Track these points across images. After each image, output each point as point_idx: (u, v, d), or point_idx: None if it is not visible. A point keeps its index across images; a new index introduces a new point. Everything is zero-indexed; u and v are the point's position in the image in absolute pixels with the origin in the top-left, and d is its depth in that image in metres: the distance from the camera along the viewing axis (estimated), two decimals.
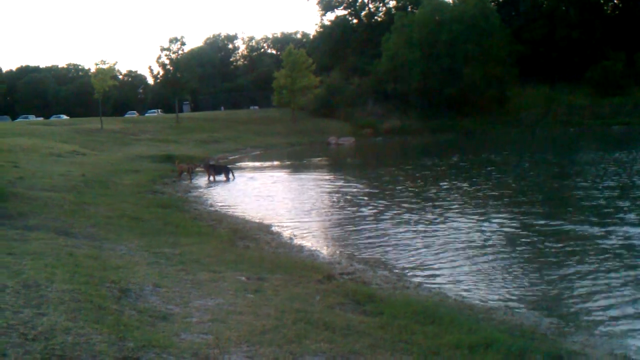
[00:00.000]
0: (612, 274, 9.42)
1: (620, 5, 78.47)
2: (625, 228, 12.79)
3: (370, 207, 17.10)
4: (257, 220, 15.25)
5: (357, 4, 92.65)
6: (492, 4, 77.37)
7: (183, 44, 62.18)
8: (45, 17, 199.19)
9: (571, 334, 7.02)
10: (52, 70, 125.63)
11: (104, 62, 47.85)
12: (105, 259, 7.91)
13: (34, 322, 4.66)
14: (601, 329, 7.21)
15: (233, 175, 25.65)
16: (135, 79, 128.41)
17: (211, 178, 25.09)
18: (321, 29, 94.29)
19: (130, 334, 4.72)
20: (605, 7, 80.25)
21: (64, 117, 77.39)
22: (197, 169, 27.00)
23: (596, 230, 12.75)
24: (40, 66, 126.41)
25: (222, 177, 25.19)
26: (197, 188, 22.97)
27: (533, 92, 67.24)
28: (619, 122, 56.34)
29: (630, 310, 7.82)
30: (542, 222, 13.96)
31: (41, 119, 75.14)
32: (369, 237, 13.00)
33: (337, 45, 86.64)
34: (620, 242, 11.55)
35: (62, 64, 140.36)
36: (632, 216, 14.09)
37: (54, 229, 9.59)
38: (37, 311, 4.95)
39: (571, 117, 61.69)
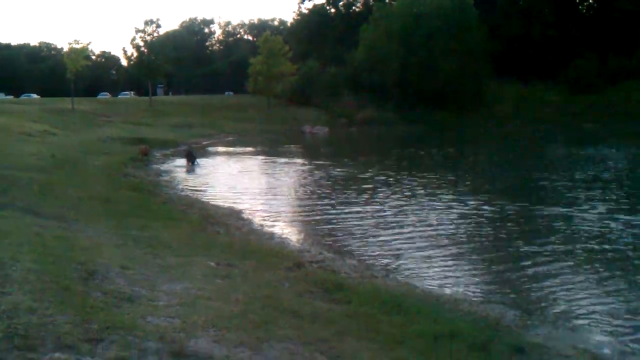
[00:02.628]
0: (579, 269, 9.62)
1: (595, 5, 79.31)
2: (593, 219, 13.16)
3: (341, 196, 17.16)
4: (228, 206, 15.21)
5: None
6: None
7: (158, 26, 61.50)
8: None
9: (535, 326, 7.14)
10: (24, 49, 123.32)
11: (77, 42, 46.97)
12: (73, 240, 7.82)
13: None
14: (564, 322, 7.35)
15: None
16: (108, 60, 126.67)
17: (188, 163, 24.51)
18: (299, 17, 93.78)
19: (95, 316, 4.68)
20: (581, 7, 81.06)
21: (35, 96, 76.11)
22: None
23: (564, 222, 13.03)
24: (12, 44, 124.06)
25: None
26: (169, 172, 22.80)
27: (507, 88, 67.71)
28: (590, 120, 57.03)
29: (593, 304, 7.99)
30: (511, 213, 14.19)
31: (11, 97, 73.81)
32: (339, 226, 13.06)
33: (314, 34, 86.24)
34: (589, 235, 11.81)
35: (34, 42, 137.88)
36: (599, 207, 14.50)
37: (22, 208, 9.45)
38: (1, 290, 4.87)
39: (544, 114, 62.23)
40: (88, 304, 5.00)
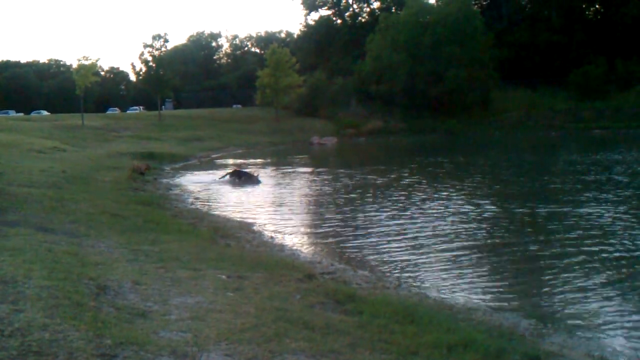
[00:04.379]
0: (595, 275, 9.54)
1: (602, 10, 79.16)
2: (610, 224, 13.15)
3: (351, 206, 17.14)
4: (239, 219, 15.23)
5: (341, 4, 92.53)
6: (476, 6, 77.67)
7: (166, 41, 61.70)
8: (26, 12, 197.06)
9: (549, 335, 7.08)
10: (33, 66, 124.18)
11: (86, 58, 47.22)
12: (84, 255, 7.84)
13: (10, 319, 4.61)
14: (579, 330, 7.29)
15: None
16: (117, 75, 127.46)
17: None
18: (305, 29, 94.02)
19: (107, 331, 4.68)
20: (587, 12, 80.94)
21: (45, 112, 76.62)
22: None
23: (580, 228, 12.99)
24: (21, 61, 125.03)
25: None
26: (179, 186, 22.85)
27: (515, 95, 67.54)
28: (600, 126, 56.77)
29: (608, 311, 7.92)
30: (525, 220, 14.17)
31: (21, 114, 74.33)
32: (350, 237, 13.04)
33: (320, 45, 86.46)
34: (606, 241, 11.74)
35: (43, 59, 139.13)
36: (617, 213, 14.45)
37: (33, 225, 9.49)
38: (14, 307, 4.89)
39: (552, 121, 62.00)
40: (100, 319, 5.00)
